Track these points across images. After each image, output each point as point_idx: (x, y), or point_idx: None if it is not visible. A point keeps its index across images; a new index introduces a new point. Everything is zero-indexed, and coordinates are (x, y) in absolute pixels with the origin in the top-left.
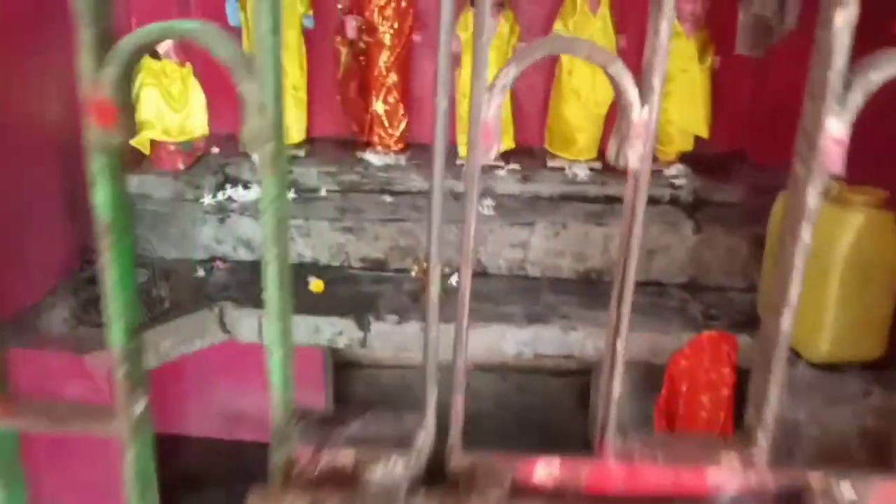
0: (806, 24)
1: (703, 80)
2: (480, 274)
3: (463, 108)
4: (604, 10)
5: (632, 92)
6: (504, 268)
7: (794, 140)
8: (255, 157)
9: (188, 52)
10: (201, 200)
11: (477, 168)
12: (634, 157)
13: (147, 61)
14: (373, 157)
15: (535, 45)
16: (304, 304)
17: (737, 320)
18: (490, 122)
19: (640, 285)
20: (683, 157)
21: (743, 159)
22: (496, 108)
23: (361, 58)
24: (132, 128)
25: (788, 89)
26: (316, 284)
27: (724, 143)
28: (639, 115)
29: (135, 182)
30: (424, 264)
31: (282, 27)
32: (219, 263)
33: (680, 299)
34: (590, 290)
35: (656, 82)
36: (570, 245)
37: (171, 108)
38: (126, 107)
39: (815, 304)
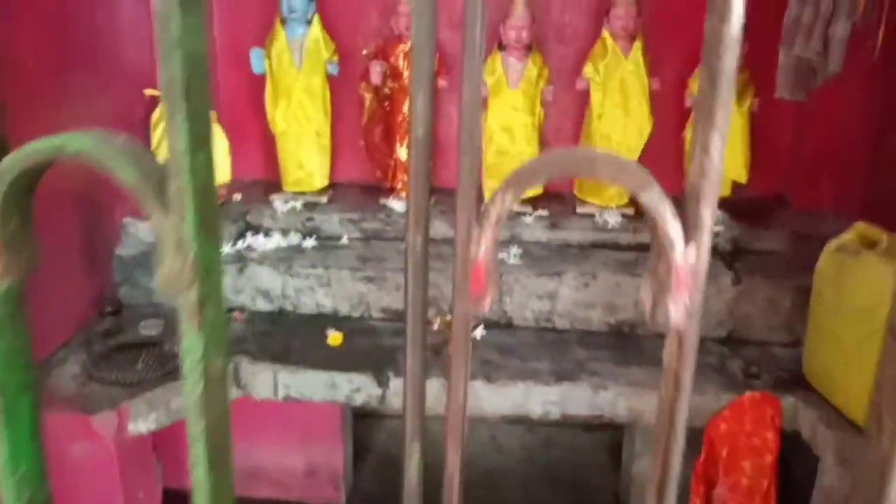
0: (850, 68)
1: (742, 123)
2: (506, 326)
3: (489, 152)
4: (636, 52)
5: (673, 227)
6: (531, 319)
7: (835, 186)
8: (277, 204)
9: (212, 99)
10: (220, 250)
11: (466, 317)
12: (678, 312)
13: None
14: (396, 204)
15: (539, 162)
16: (322, 358)
17: (780, 379)
18: (482, 263)
19: None
20: (720, 203)
21: (782, 205)
22: (490, 244)
23: (386, 103)
24: (24, 266)
25: (830, 133)
26: (334, 338)
27: (762, 188)
28: (683, 257)
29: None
30: (448, 317)
31: (209, 144)
32: (237, 314)
33: (719, 355)
34: (621, 343)
35: (706, 214)
36: (600, 296)
37: None
38: (14, 243)
39: (866, 367)
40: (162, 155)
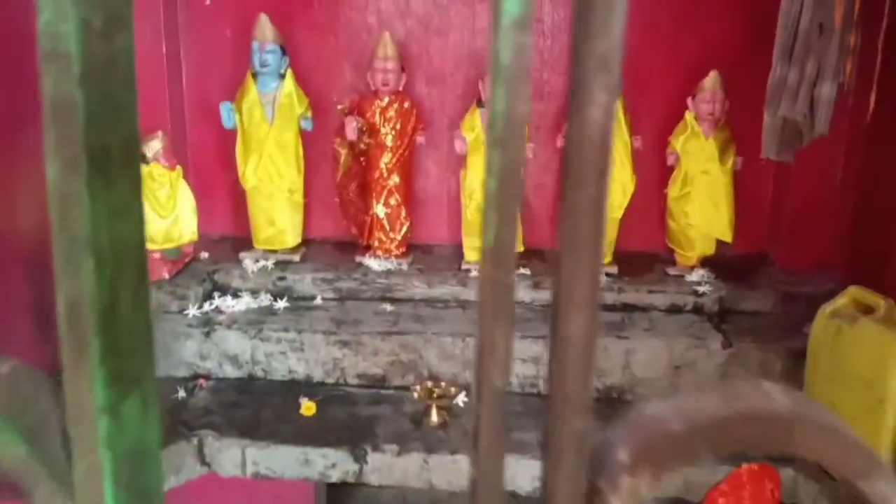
0: (833, 127)
1: (725, 181)
2: None
3: (470, 209)
4: (617, 111)
5: None
6: (515, 385)
7: (819, 243)
8: (246, 262)
9: (179, 153)
10: (186, 312)
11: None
12: None
13: None
14: (372, 262)
15: (691, 427)
16: (294, 430)
17: None
18: None
19: None
20: (705, 262)
21: (766, 263)
22: None
23: (362, 159)
24: None
25: (812, 192)
26: (307, 407)
27: (745, 246)
28: None
29: None
30: (428, 384)
31: (147, 386)
32: (202, 382)
33: None
34: (611, 411)
35: None
36: None
37: (157, 213)
38: None
39: (868, 439)
40: None
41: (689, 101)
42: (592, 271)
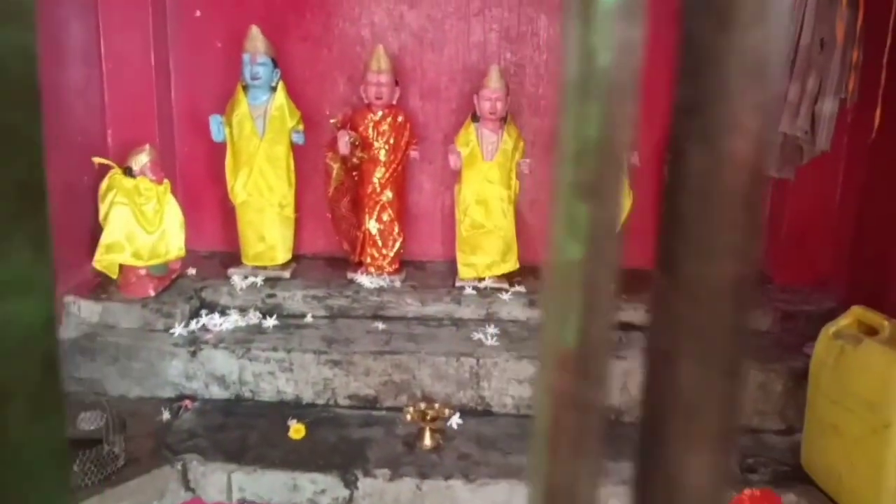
0: (833, 145)
1: None
2: (484, 413)
3: (464, 225)
4: None
5: None
6: (511, 406)
7: (817, 261)
8: (235, 279)
9: (167, 167)
10: (171, 331)
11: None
12: None
13: (120, 179)
14: (365, 279)
15: None
16: (282, 455)
17: (779, 473)
18: None
19: None
20: None
21: (763, 281)
22: None
23: (354, 174)
24: None
25: (809, 209)
26: (296, 430)
27: None
28: None
29: (98, 311)
30: (422, 405)
31: None
32: (187, 403)
33: None
34: (609, 433)
35: None
36: None
37: (143, 228)
38: None
39: (873, 465)
40: (111, 228)
41: None
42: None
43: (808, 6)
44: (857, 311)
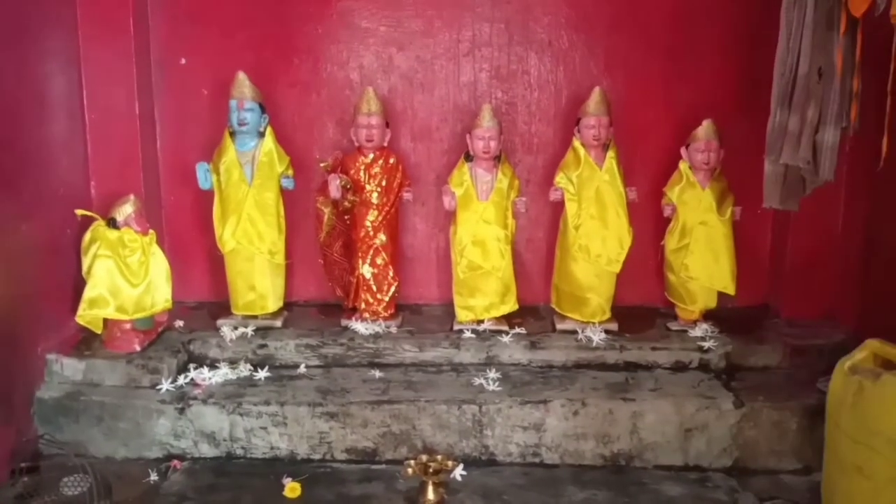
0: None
1: (724, 232)
2: (488, 463)
3: (460, 267)
4: (610, 162)
5: None
6: (516, 454)
7: (823, 293)
8: (224, 330)
9: (153, 217)
10: (158, 387)
11: None
12: None
13: (104, 231)
14: (359, 326)
15: None
16: None
17: None
18: None
19: (679, 471)
20: (707, 315)
21: (769, 314)
22: None
23: (346, 217)
24: None
25: (812, 240)
26: (291, 488)
27: (747, 297)
28: None
29: (81, 369)
30: (423, 458)
31: None
32: (176, 463)
33: (727, 488)
34: (620, 479)
35: None
36: (592, 425)
37: (127, 281)
38: None
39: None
40: (94, 281)
41: (682, 150)
42: None
43: (804, 36)
44: (872, 345)
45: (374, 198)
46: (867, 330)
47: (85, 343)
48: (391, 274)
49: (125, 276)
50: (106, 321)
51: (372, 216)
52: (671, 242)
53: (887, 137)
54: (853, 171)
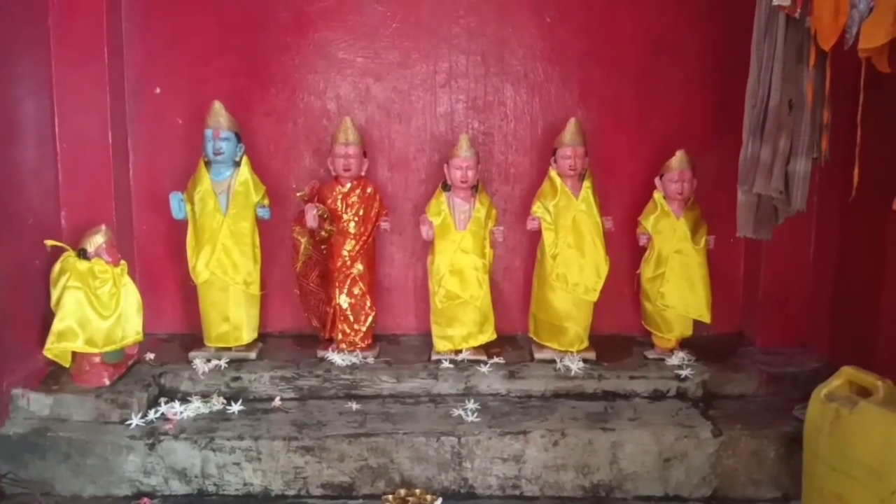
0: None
1: (699, 260)
2: (467, 496)
3: (438, 296)
4: (586, 192)
5: None
6: (496, 486)
7: (796, 321)
8: (197, 363)
9: (125, 247)
10: (128, 422)
11: None
12: None
13: (74, 262)
14: (336, 357)
15: None
16: None
17: None
18: None
19: (659, 502)
20: (684, 344)
21: (743, 342)
22: None
23: (323, 247)
24: None
25: (784, 269)
26: None
27: (721, 325)
28: None
29: (48, 403)
30: (402, 493)
31: None
32: (146, 501)
33: None
34: None
35: None
36: (572, 456)
37: (97, 313)
38: None
39: None
40: (63, 313)
41: (656, 180)
42: None
43: (774, 69)
44: (848, 372)
45: (352, 227)
46: (840, 357)
47: (52, 377)
48: (368, 304)
49: (95, 307)
50: (75, 354)
51: (349, 245)
52: (647, 271)
53: (858, 168)
54: (824, 200)
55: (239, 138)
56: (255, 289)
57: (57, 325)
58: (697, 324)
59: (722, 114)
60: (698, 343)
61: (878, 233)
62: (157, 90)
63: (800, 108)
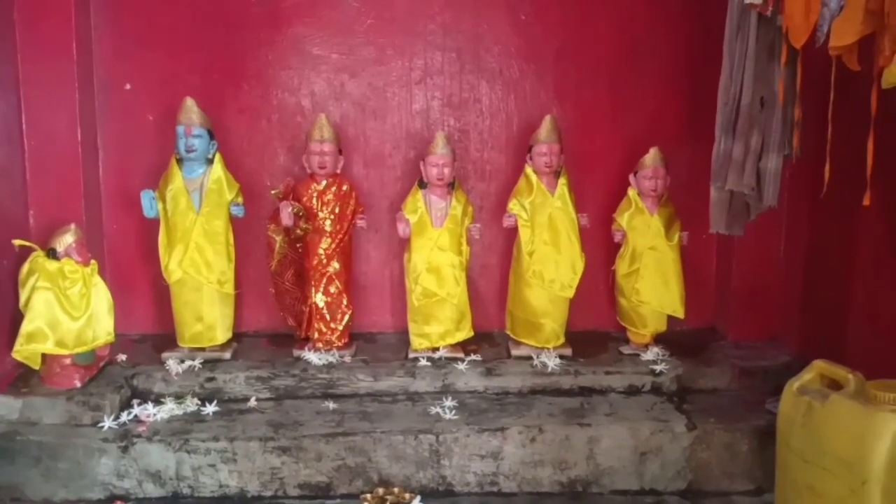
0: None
1: (672, 256)
2: (445, 494)
3: (415, 294)
4: (562, 189)
5: None
6: (474, 483)
7: (767, 315)
8: (170, 363)
9: (95, 247)
10: (100, 424)
11: None
12: None
13: (43, 262)
14: (312, 356)
15: None
16: None
17: None
18: None
19: (635, 495)
20: (658, 339)
21: (716, 337)
22: None
23: (298, 245)
24: None
25: (755, 265)
26: None
27: (694, 320)
28: None
29: (18, 407)
30: (380, 491)
31: None
32: None
33: None
34: None
35: None
36: (549, 452)
37: (67, 314)
38: None
39: None
40: (32, 314)
41: (630, 177)
42: None
43: (747, 67)
44: (819, 366)
45: (328, 225)
46: (811, 351)
47: (22, 379)
48: (345, 302)
49: (65, 308)
50: (44, 356)
51: (325, 244)
52: (622, 267)
53: (829, 165)
54: (794, 197)
55: (212, 135)
56: (230, 288)
57: (26, 327)
58: (671, 319)
59: (695, 111)
60: (672, 338)
61: (848, 228)
62: (127, 86)
63: (771, 106)
